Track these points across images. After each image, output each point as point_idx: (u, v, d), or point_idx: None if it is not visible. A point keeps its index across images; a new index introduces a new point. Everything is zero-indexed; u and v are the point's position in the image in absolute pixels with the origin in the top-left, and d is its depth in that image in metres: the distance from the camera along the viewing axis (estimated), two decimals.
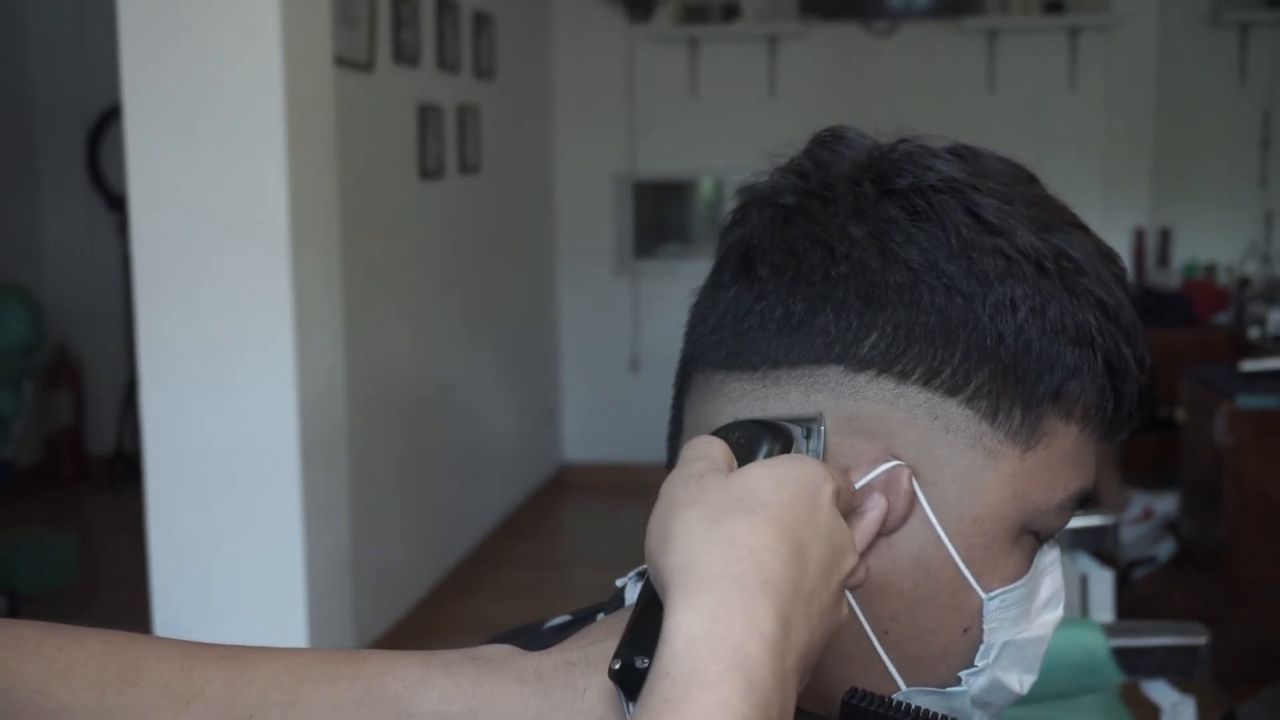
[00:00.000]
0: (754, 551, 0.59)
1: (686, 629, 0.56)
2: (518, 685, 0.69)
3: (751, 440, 0.68)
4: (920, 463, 0.71)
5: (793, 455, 0.67)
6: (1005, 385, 0.71)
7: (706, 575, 0.58)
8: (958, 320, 0.71)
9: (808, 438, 0.70)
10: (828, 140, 0.77)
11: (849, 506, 0.68)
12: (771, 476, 0.63)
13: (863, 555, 0.69)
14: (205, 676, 0.68)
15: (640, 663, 0.60)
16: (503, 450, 5.69)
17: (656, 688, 0.56)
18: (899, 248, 0.71)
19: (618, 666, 0.61)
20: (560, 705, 0.68)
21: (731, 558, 0.59)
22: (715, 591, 0.57)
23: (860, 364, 0.71)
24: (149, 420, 3.21)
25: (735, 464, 0.66)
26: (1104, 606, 2.52)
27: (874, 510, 0.70)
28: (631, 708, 0.61)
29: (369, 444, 4.07)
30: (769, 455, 0.67)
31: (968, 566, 0.73)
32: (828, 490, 0.64)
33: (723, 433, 0.69)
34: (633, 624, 0.63)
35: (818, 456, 0.70)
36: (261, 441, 3.18)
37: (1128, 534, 4.44)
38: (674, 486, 0.64)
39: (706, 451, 0.66)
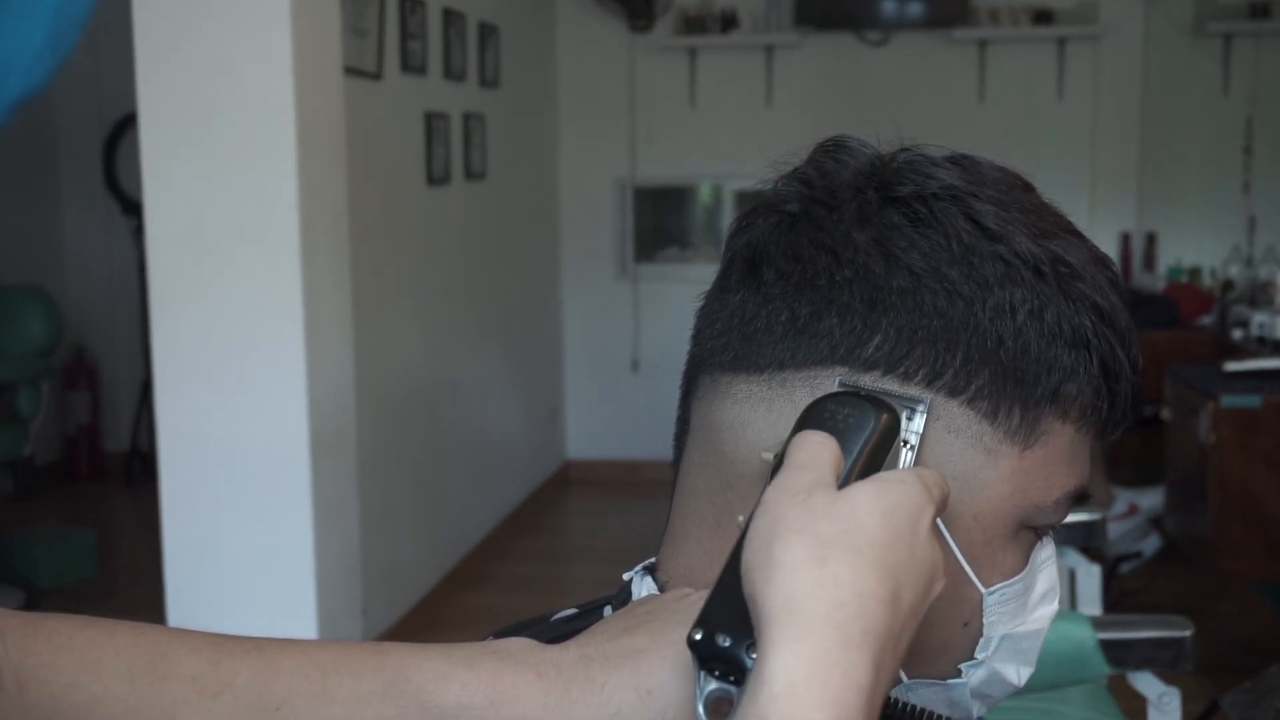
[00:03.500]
0: (858, 597, 0.58)
1: (787, 673, 0.55)
2: (537, 678, 0.68)
3: (859, 421, 0.66)
4: (922, 462, 0.71)
5: (900, 478, 0.64)
6: (1005, 386, 0.72)
7: (811, 619, 0.57)
8: (959, 323, 0.71)
9: (910, 418, 0.70)
10: (831, 149, 0.78)
11: (943, 511, 0.67)
12: (880, 507, 0.61)
13: None
14: (234, 669, 0.68)
15: (722, 640, 0.60)
16: (508, 448, 5.68)
17: None
18: (902, 253, 0.72)
19: (699, 637, 0.60)
20: (580, 699, 0.68)
21: (836, 602, 0.57)
22: (818, 637, 0.56)
23: (864, 366, 0.72)
24: (163, 419, 3.23)
25: (841, 461, 0.64)
26: (1092, 600, 2.55)
27: None
28: (703, 676, 0.62)
29: (378, 442, 4.06)
30: (872, 435, 0.66)
31: (968, 562, 0.74)
32: (928, 517, 0.63)
33: (831, 406, 0.67)
34: (715, 598, 0.62)
35: (917, 435, 0.70)
36: (273, 439, 3.20)
37: (1114, 529, 4.35)
38: (781, 500, 0.62)
39: (816, 457, 0.64)
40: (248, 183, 3.15)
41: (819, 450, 0.64)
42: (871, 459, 0.66)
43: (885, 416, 0.67)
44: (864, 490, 0.62)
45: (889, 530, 0.61)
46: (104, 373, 6.75)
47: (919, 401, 0.71)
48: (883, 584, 0.59)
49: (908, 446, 0.70)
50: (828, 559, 0.59)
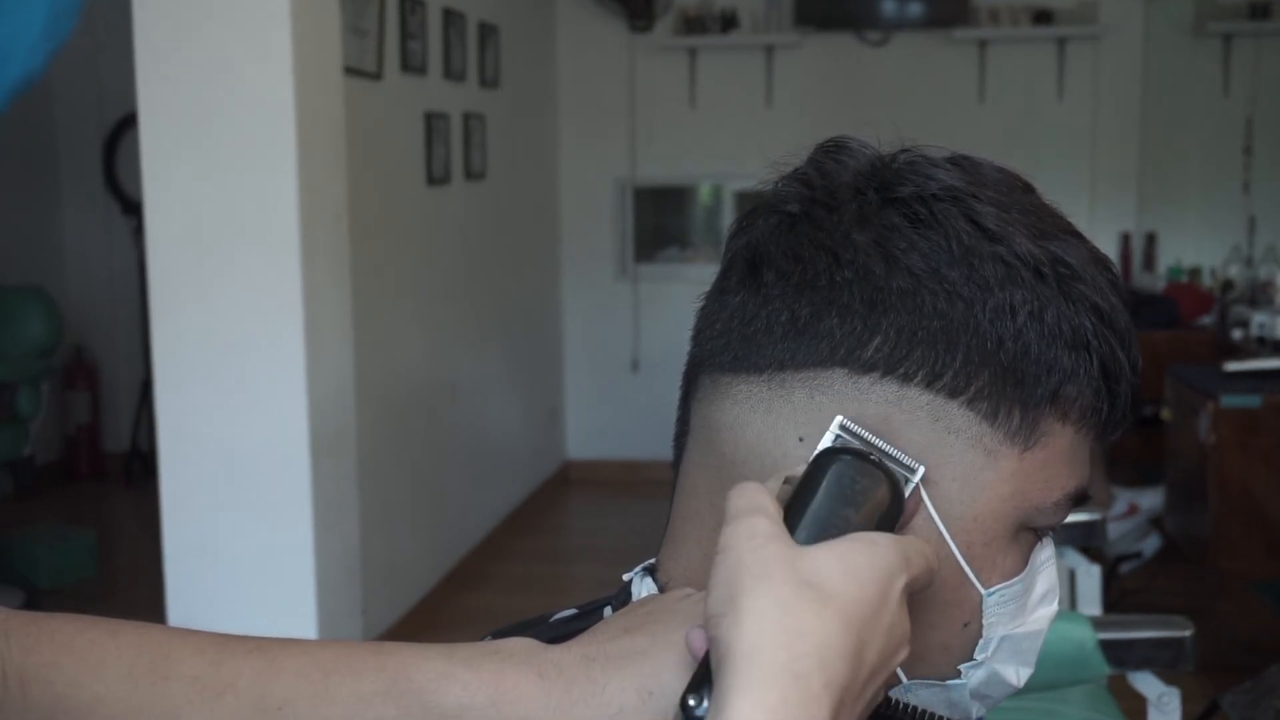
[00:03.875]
0: (820, 648, 0.58)
1: None
2: (539, 679, 0.68)
3: (868, 487, 0.66)
4: (922, 463, 0.71)
5: (874, 539, 0.64)
6: (1005, 388, 0.72)
7: (773, 667, 0.57)
8: (959, 325, 0.71)
9: (907, 483, 0.70)
10: (831, 150, 0.78)
11: (924, 585, 0.67)
12: (842, 565, 0.62)
13: None
14: (236, 669, 0.69)
15: (690, 699, 0.61)
16: (508, 448, 5.68)
17: None
18: (902, 254, 0.72)
19: (692, 703, 0.61)
20: (581, 699, 0.68)
21: (799, 653, 0.58)
22: (778, 688, 0.57)
23: (864, 367, 0.72)
24: (163, 419, 3.24)
25: (784, 514, 0.65)
26: (1092, 600, 2.55)
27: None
28: None
29: (378, 442, 4.06)
30: (872, 507, 0.66)
31: (968, 563, 0.74)
32: (899, 584, 0.63)
33: (840, 463, 0.66)
34: (703, 665, 0.63)
35: (903, 505, 0.69)
36: (273, 439, 3.20)
37: (1114, 529, 4.35)
38: (739, 547, 0.62)
39: (759, 503, 0.64)
40: (248, 183, 3.15)
41: (760, 496, 0.64)
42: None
43: (890, 505, 0.67)
44: (830, 547, 0.63)
45: (854, 587, 0.61)
46: (104, 373, 6.75)
47: (913, 471, 0.71)
48: (845, 638, 0.59)
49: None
50: (791, 609, 0.59)
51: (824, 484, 0.66)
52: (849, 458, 0.67)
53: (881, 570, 0.62)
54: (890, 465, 0.69)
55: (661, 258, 6.50)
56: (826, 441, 0.71)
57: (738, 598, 0.60)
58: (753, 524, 0.63)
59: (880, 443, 0.71)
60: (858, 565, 0.62)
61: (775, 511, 0.64)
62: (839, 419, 0.72)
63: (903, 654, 0.64)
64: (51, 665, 0.67)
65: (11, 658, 0.67)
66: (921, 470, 0.71)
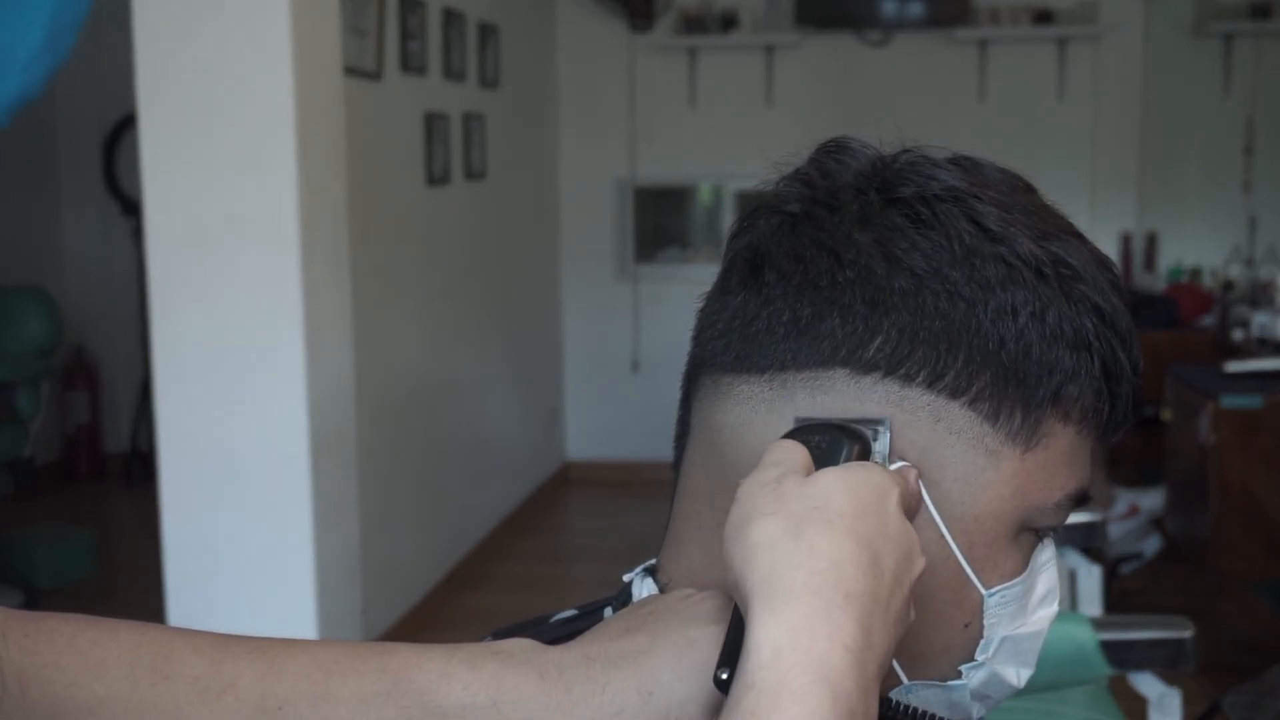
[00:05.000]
0: (836, 564, 0.60)
1: (772, 641, 0.57)
2: (539, 679, 0.69)
3: (833, 444, 0.68)
4: (924, 463, 0.72)
5: (863, 465, 0.67)
6: (1006, 388, 0.72)
7: (791, 587, 0.59)
8: (960, 325, 0.71)
9: (875, 439, 0.70)
10: (832, 150, 0.78)
11: (911, 509, 0.69)
12: (844, 484, 0.64)
13: None
14: (236, 669, 0.69)
15: (722, 674, 0.61)
16: (508, 448, 5.68)
17: (743, 700, 0.56)
18: (903, 254, 0.72)
19: (725, 677, 0.61)
20: (582, 700, 0.68)
21: (814, 569, 0.59)
22: (799, 604, 0.58)
23: (865, 367, 0.72)
24: (163, 419, 3.24)
25: (813, 468, 0.66)
26: (1092, 601, 2.57)
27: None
28: None
29: (378, 442, 4.06)
30: (848, 458, 0.68)
31: (969, 564, 0.74)
32: (894, 495, 0.65)
33: (801, 435, 0.69)
34: (730, 635, 0.63)
35: (883, 457, 0.71)
36: (273, 440, 3.21)
37: (1115, 530, 4.36)
38: (753, 493, 0.64)
39: (785, 457, 0.66)
40: (248, 183, 3.16)
41: (788, 452, 0.67)
42: None
43: (857, 447, 0.69)
44: (828, 472, 0.65)
45: (857, 502, 0.63)
46: (103, 373, 6.76)
47: (880, 422, 0.71)
48: (859, 549, 0.61)
49: None
50: (801, 532, 0.61)
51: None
52: (802, 429, 0.71)
53: (878, 484, 0.65)
54: (846, 423, 0.70)
55: (662, 258, 6.50)
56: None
57: (749, 536, 0.62)
58: (766, 473, 0.65)
59: (840, 410, 0.73)
60: (857, 482, 0.64)
61: (801, 462, 0.66)
62: (794, 416, 0.73)
63: (919, 564, 0.66)
64: (51, 666, 0.67)
65: (11, 658, 0.67)
66: (889, 418, 0.72)
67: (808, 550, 0.60)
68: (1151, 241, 6.17)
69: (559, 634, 0.75)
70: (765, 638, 0.58)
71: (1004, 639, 0.76)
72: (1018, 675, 0.78)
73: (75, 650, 0.68)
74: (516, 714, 0.68)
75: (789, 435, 0.70)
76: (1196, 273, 5.98)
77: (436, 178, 4.71)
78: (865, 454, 0.69)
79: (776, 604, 0.58)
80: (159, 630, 0.70)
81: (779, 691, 0.56)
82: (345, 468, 3.44)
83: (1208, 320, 5.35)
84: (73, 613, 0.71)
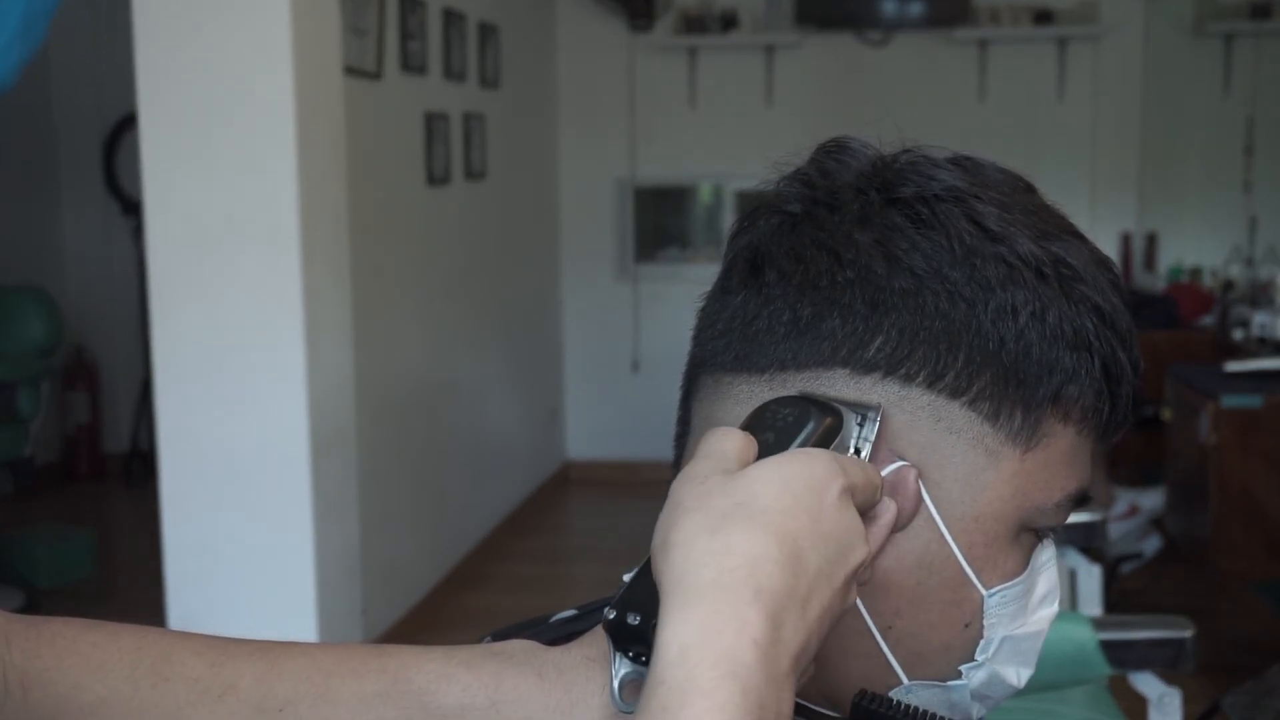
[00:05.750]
0: (750, 561, 0.59)
1: (679, 639, 0.57)
2: (539, 680, 0.69)
3: (799, 419, 0.68)
4: (924, 463, 0.72)
5: (804, 451, 0.66)
6: (1006, 388, 0.72)
7: (699, 585, 0.58)
8: (961, 325, 0.71)
9: (860, 424, 0.70)
10: (833, 150, 0.78)
11: (869, 500, 0.68)
12: (777, 478, 0.63)
13: (873, 556, 0.69)
14: (237, 671, 0.69)
15: (631, 619, 0.62)
16: (508, 448, 5.69)
17: (655, 695, 0.56)
18: (904, 254, 0.72)
19: (612, 617, 0.63)
20: (581, 700, 0.68)
21: (725, 567, 0.59)
22: (707, 601, 0.58)
23: (866, 367, 0.72)
24: (163, 419, 3.24)
25: (750, 458, 0.66)
26: (1092, 601, 2.55)
27: (886, 515, 0.70)
28: (618, 657, 0.65)
29: (378, 442, 4.07)
30: (811, 435, 0.67)
31: (969, 564, 0.73)
32: (835, 488, 0.64)
33: (769, 410, 0.69)
34: (630, 583, 0.64)
35: (869, 443, 0.70)
36: (273, 439, 3.21)
37: (1115, 530, 4.35)
38: (680, 487, 0.64)
39: (718, 448, 0.65)
40: (248, 183, 3.16)
41: (723, 440, 0.66)
42: None
43: (828, 420, 0.68)
44: (761, 465, 0.64)
45: (786, 497, 0.62)
46: (104, 373, 6.76)
47: (872, 408, 0.71)
48: (778, 546, 0.60)
49: (860, 454, 0.70)
50: (719, 529, 0.60)
51: (751, 422, 0.69)
52: (777, 400, 0.70)
53: (816, 477, 0.64)
54: (823, 400, 0.70)
55: (662, 258, 6.50)
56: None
57: (669, 535, 0.62)
58: (697, 466, 0.65)
59: (839, 391, 0.72)
60: (791, 475, 0.63)
61: (736, 454, 0.65)
62: (797, 388, 0.73)
63: (857, 554, 0.64)
64: (53, 668, 0.68)
65: (13, 661, 0.67)
66: (880, 406, 0.71)
67: (723, 548, 0.60)
68: (1151, 241, 6.18)
69: (559, 634, 0.75)
70: (673, 635, 0.57)
71: (1004, 639, 0.76)
72: (1018, 675, 0.78)
73: (77, 653, 0.68)
74: (516, 714, 0.68)
75: (758, 410, 0.70)
76: (1196, 273, 5.99)
77: (436, 178, 4.71)
78: (834, 432, 0.68)
79: (686, 602, 0.58)
80: (160, 633, 0.71)
81: (687, 687, 0.56)
82: (345, 468, 3.44)
83: (1208, 320, 5.36)
84: (73, 614, 0.71)
